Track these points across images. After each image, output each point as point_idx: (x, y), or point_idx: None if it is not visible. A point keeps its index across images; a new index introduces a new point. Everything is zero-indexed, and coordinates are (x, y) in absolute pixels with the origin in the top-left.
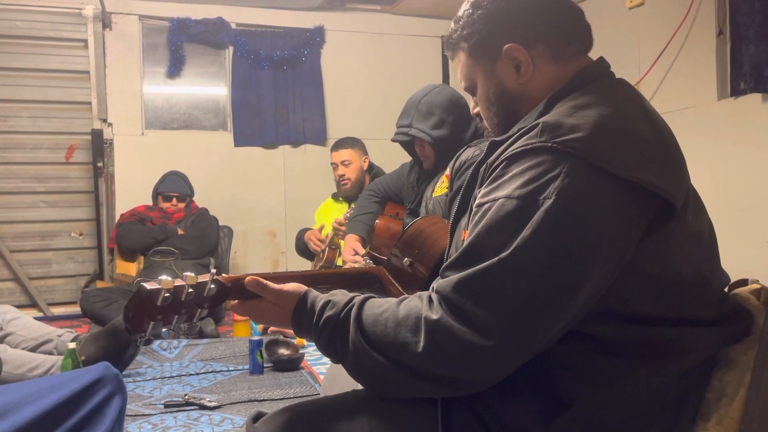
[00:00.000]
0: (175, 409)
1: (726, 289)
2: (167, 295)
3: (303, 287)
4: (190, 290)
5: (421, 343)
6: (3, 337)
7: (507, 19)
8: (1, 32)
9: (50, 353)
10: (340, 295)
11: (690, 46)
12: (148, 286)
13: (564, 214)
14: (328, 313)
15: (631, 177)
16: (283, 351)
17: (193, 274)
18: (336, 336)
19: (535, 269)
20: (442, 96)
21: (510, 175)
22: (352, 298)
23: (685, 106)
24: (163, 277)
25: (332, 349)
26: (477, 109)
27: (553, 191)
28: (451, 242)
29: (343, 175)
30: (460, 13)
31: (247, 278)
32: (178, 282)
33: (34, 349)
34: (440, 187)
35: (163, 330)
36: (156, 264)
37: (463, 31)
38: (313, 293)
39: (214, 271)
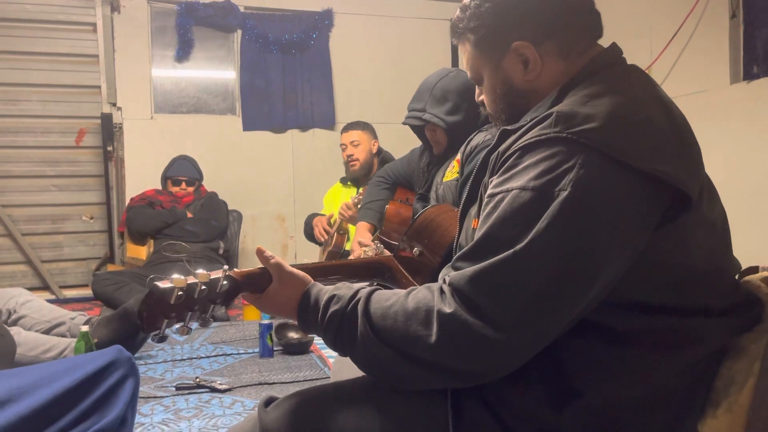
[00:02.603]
0: (187, 391)
1: (736, 277)
2: (180, 293)
3: (309, 279)
4: (203, 287)
5: (434, 336)
6: (17, 319)
7: (515, 14)
8: (11, 16)
9: (63, 336)
10: (345, 289)
11: (702, 29)
12: (161, 285)
13: (579, 205)
14: (333, 307)
15: (646, 168)
16: (293, 335)
17: (204, 271)
18: (343, 330)
19: (551, 261)
20: (457, 81)
21: (524, 165)
22: (357, 292)
23: (697, 90)
24: (176, 275)
25: (339, 343)
26: (482, 97)
27: (568, 183)
28: (460, 230)
29: (352, 155)
30: (466, 1)
31: (258, 248)
32: (191, 279)
33: (47, 332)
34: (451, 171)
35: (175, 326)
36: (166, 249)
37: (470, 23)
38: (317, 288)
39: (226, 267)
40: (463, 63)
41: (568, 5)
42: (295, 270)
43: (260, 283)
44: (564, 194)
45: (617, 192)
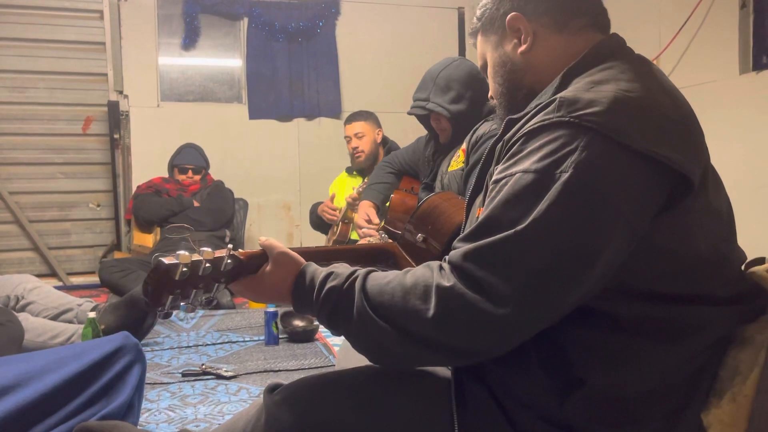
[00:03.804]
0: (193, 378)
1: (742, 267)
2: (185, 269)
3: (303, 260)
4: (208, 265)
5: (432, 310)
6: (24, 305)
7: None
8: (18, 3)
9: (71, 322)
10: (342, 268)
11: (712, 19)
12: (167, 261)
13: (581, 187)
14: (330, 284)
15: (648, 151)
16: (298, 322)
17: (210, 249)
18: (339, 307)
19: (551, 242)
20: (461, 70)
21: (527, 150)
22: (354, 270)
23: (706, 81)
24: (181, 252)
25: (335, 320)
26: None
27: (570, 165)
28: (466, 220)
29: (357, 147)
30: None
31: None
32: (196, 257)
33: (54, 318)
34: (456, 161)
35: (182, 304)
36: (171, 232)
37: (479, 12)
38: (312, 267)
39: (230, 246)
40: (478, 58)
41: None
42: (290, 251)
43: (263, 265)
44: (565, 176)
45: (619, 174)
